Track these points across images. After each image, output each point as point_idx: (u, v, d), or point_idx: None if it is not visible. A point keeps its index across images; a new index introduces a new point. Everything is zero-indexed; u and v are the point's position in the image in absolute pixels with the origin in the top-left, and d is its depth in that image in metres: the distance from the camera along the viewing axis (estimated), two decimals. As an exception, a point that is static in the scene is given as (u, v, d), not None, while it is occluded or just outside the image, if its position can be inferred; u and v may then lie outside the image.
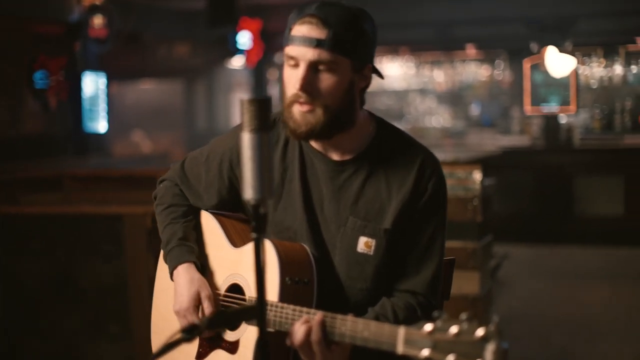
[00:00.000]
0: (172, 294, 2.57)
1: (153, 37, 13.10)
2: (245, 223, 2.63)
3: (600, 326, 6.85)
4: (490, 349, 1.80)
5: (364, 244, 2.39)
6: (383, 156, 2.42)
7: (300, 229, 2.43)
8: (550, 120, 11.83)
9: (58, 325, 5.37)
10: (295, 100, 2.32)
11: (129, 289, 5.21)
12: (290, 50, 2.32)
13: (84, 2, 10.47)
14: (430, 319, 2.35)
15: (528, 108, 12.62)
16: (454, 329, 1.83)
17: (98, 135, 11.22)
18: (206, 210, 2.66)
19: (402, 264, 2.41)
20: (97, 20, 10.50)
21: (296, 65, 2.32)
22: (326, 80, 2.30)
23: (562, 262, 9.66)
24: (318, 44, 2.27)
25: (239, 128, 2.55)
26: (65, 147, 10.64)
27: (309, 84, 2.29)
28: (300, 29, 2.30)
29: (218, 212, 2.64)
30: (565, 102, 12.31)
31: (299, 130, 2.33)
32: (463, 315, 1.85)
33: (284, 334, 2.24)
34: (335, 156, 2.43)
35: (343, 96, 2.33)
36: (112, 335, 5.30)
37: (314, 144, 2.44)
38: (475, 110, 14.18)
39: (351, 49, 2.30)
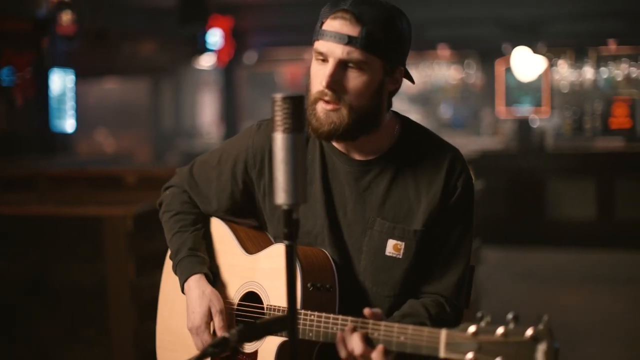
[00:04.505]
0: (180, 307, 2.45)
1: (119, 34, 12.91)
2: (258, 229, 2.50)
3: (580, 330, 6.82)
4: (541, 349, 1.73)
5: (392, 247, 2.28)
6: (410, 156, 2.32)
7: (322, 233, 2.32)
8: (523, 124, 11.83)
9: (33, 329, 5.21)
10: (320, 97, 2.20)
11: (108, 293, 5.06)
12: (320, 45, 2.20)
13: (52, -2, 10.28)
14: (458, 322, 2.28)
15: (500, 109, 12.62)
16: (500, 330, 1.75)
17: (64, 134, 11.01)
18: (216, 216, 2.53)
19: (429, 266, 2.31)
20: (66, 17, 10.31)
21: (325, 61, 2.20)
22: (354, 79, 2.18)
23: (535, 265, 9.64)
24: (349, 41, 2.15)
25: (253, 128, 2.46)
26: (31, 146, 10.42)
27: (335, 82, 2.17)
28: (332, 24, 2.18)
29: (229, 218, 2.52)
30: (538, 104, 12.32)
31: (321, 129, 2.21)
32: (509, 315, 1.77)
33: (306, 342, 2.15)
34: (358, 156, 2.32)
35: (370, 98, 2.21)
36: (88, 339, 5.15)
37: (335, 144, 2.33)
38: (446, 112, 14.14)
39: (384, 49, 2.19)
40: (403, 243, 2.28)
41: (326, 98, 2.19)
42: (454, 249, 2.31)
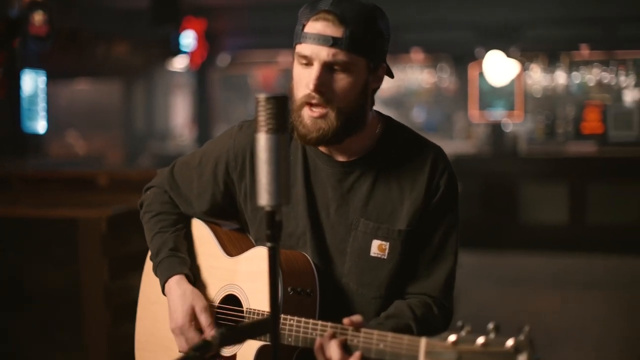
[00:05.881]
0: (160, 308, 2.41)
1: (91, 35, 12.81)
2: (239, 232, 2.48)
3: (553, 334, 6.83)
4: (521, 360, 1.71)
5: (377, 247, 2.26)
6: (392, 155, 2.30)
7: (304, 235, 2.30)
8: (496, 128, 11.87)
9: (5, 332, 5.15)
10: (306, 101, 2.17)
11: (82, 296, 5.01)
12: (303, 48, 2.17)
13: (24, -2, 10.17)
14: (447, 323, 2.29)
15: (473, 113, 12.64)
16: (480, 340, 1.73)
17: (36, 135, 10.91)
18: (197, 217, 2.50)
19: (415, 266, 2.29)
20: (38, 17, 10.20)
21: (309, 64, 2.17)
22: (341, 80, 2.16)
23: (509, 270, 9.67)
24: (334, 42, 2.13)
25: (234, 129, 2.43)
26: (2, 147, 10.32)
27: (323, 85, 2.15)
28: (315, 26, 2.16)
29: (210, 220, 2.49)
30: (510, 108, 12.37)
31: (309, 136, 2.19)
32: (490, 325, 1.74)
33: (285, 347, 2.13)
34: (340, 158, 2.30)
35: (357, 98, 2.20)
36: (62, 343, 5.09)
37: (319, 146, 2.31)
38: (419, 115, 14.15)
39: (368, 49, 2.17)
40: (388, 243, 2.26)
41: (314, 101, 2.16)
42: (439, 248, 2.29)
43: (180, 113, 15.78)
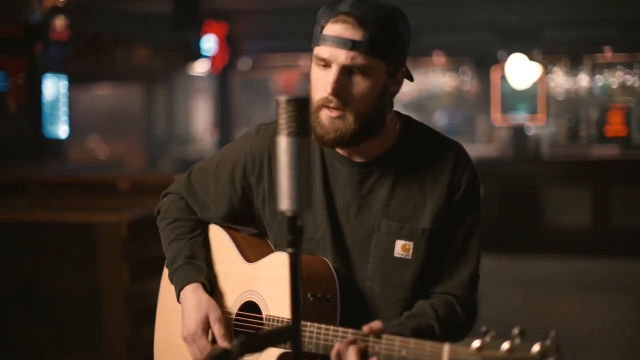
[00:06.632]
0: (178, 316, 2.37)
1: (112, 39, 12.85)
2: (258, 237, 2.43)
3: (576, 338, 6.77)
4: (548, 366, 1.67)
5: (401, 247, 2.22)
6: (412, 154, 2.26)
7: (324, 240, 2.25)
8: (518, 131, 11.80)
9: (25, 337, 5.14)
10: (324, 104, 2.13)
11: (101, 300, 5.01)
12: (322, 51, 2.13)
13: (45, 3, 10.19)
14: (471, 323, 2.25)
15: (496, 117, 12.57)
16: (505, 345, 1.68)
17: (56, 140, 10.94)
18: (215, 223, 2.46)
19: (439, 265, 2.25)
20: (59, 22, 10.23)
21: (327, 66, 2.13)
22: (359, 84, 2.12)
23: (531, 273, 9.60)
24: (353, 45, 2.09)
25: (251, 133, 2.40)
26: (24, 152, 10.35)
27: (341, 88, 2.11)
28: (334, 28, 2.11)
29: (228, 225, 2.45)
30: (533, 111, 12.29)
31: (326, 137, 2.15)
32: (515, 330, 1.70)
33: (305, 354, 2.08)
34: (359, 159, 2.26)
35: (375, 101, 2.15)
36: (81, 347, 5.08)
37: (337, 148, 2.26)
38: (441, 119, 14.09)
39: (387, 52, 2.13)
40: (412, 243, 2.22)
41: (331, 105, 2.12)
42: (463, 247, 2.25)
43: (201, 117, 15.80)
